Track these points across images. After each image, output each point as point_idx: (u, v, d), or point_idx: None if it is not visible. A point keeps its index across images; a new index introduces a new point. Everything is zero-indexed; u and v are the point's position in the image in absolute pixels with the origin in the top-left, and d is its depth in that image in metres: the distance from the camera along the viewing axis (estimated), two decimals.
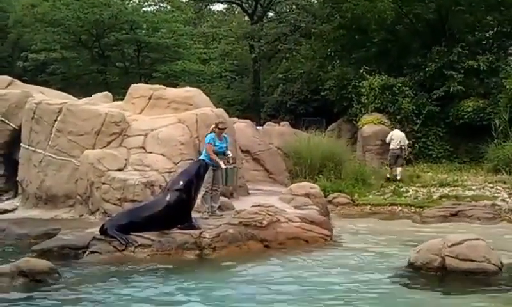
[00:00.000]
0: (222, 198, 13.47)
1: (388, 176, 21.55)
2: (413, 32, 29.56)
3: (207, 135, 13.14)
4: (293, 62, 36.14)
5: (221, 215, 12.77)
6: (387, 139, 22.31)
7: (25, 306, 8.04)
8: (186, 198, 11.70)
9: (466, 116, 25.82)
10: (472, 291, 8.84)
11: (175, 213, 11.51)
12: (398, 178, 21.23)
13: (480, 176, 21.86)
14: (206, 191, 12.69)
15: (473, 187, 19.78)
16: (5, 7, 43.55)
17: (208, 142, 12.85)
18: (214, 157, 12.68)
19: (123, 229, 11.12)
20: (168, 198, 11.63)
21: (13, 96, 16.07)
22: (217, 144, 12.83)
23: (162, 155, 14.32)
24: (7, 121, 15.77)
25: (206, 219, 12.50)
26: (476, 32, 29.56)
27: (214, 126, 13.10)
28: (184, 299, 8.40)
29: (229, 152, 13.23)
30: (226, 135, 13.23)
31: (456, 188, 19.79)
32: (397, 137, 21.91)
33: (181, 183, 11.77)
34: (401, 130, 22.92)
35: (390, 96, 26.58)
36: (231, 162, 13.16)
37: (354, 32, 30.40)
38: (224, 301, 8.31)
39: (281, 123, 27.14)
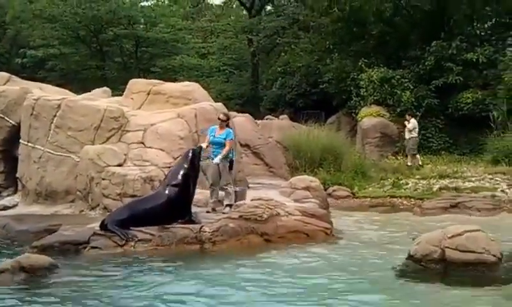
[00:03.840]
0: (221, 193, 13.46)
1: (421, 163, 22.02)
2: (412, 24, 29.50)
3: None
4: (292, 55, 35.98)
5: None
6: (410, 127, 22.29)
7: (26, 301, 8.02)
8: (185, 192, 11.73)
9: (465, 108, 25.71)
10: (472, 283, 8.84)
11: (175, 207, 11.53)
12: (420, 163, 22.00)
13: (479, 167, 21.85)
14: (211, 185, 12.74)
15: (473, 179, 19.77)
16: (3, 3, 43.27)
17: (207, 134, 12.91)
18: (203, 145, 12.66)
19: (123, 224, 11.15)
20: (167, 192, 11.65)
21: (12, 92, 16.03)
22: (213, 134, 12.79)
23: (161, 150, 14.34)
24: (6, 118, 15.73)
25: (207, 212, 12.51)
26: (474, 24, 29.50)
27: None
28: (183, 293, 8.39)
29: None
30: (230, 129, 13.15)
31: (455, 179, 19.78)
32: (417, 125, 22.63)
33: (179, 177, 11.77)
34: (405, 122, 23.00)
35: (389, 89, 26.53)
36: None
37: (352, 24, 30.33)
38: (223, 297, 8.31)
39: (281, 117, 27.17)
